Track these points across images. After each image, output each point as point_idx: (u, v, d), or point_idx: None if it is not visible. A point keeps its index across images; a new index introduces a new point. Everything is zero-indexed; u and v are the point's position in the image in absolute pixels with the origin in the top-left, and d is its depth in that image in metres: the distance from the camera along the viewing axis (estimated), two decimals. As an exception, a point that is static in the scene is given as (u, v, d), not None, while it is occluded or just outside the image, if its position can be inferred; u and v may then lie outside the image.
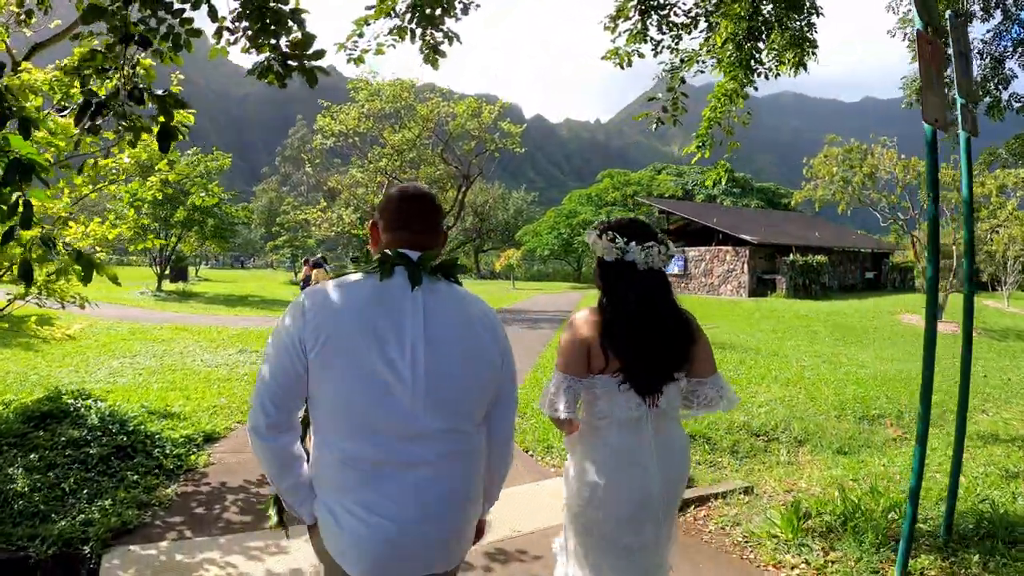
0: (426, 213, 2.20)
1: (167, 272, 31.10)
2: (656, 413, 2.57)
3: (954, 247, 22.78)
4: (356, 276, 2.09)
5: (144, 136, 4.24)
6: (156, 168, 6.80)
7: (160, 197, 27.45)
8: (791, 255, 33.44)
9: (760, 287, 33.79)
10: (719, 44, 7.10)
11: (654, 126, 7.53)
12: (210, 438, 6.96)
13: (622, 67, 7.25)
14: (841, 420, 8.87)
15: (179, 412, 7.64)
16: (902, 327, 21.97)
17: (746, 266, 33.90)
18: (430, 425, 1.98)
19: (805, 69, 7.37)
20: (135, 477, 5.46)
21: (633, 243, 2.56)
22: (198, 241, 30.73)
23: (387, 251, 2.11)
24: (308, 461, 2.11)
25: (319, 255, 20.49)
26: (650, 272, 2.58)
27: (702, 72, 7.68)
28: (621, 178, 55.63)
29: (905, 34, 10.94)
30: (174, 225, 28.68)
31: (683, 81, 7.16)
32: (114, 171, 6.91)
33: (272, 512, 2.36)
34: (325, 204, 24.53)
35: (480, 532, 2.33)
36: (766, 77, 7.45)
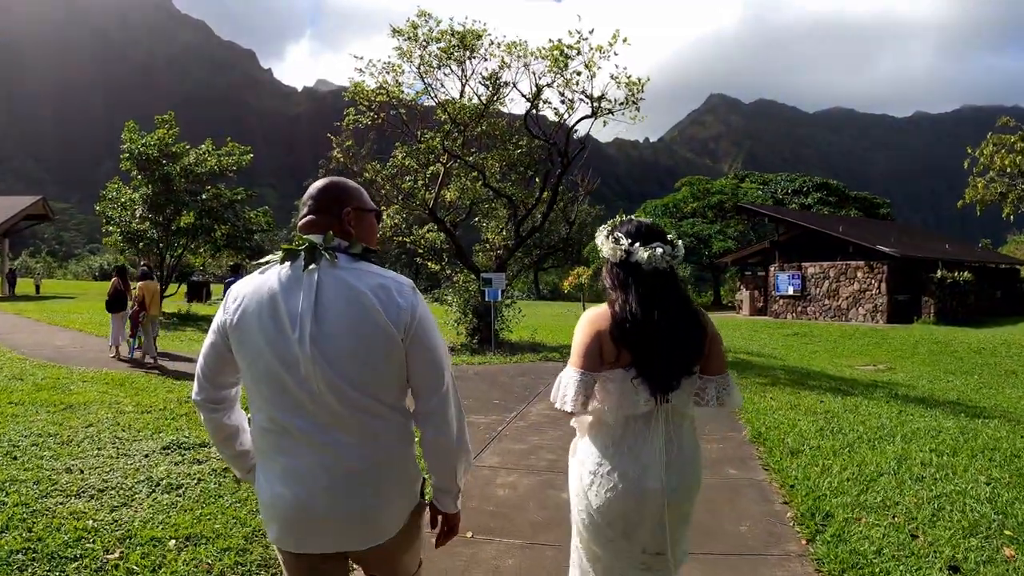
0: (323, 196, 2.25)
1: (174, 290, 25.40)
2: (667, 410, 2.57)
3: None
4: (268, 264, 2.18)
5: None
6: None
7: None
8: (938, 271, 26.85)
9: (898, 310, 27.06)
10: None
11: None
12: None
13: None
14: None
15: None
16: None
17: (884, 285, 27.22)
18: (329, 402, 2.04)
19: None
20: None
21: (638, 244, 2.60)
22: (209, 252, 25.13)
23: (296, 237, 2.19)
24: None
25: (144, 265, 15.97)
26: (656, 272, 2.59)
27: None
28: (702, 186, 49.45)
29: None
30: (177, 232, 23.10)
31: None
32: None
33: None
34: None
35: (450, 526, 2.36)
36: None
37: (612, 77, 14.47)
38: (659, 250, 2.58)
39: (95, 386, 9.84)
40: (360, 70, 15.50)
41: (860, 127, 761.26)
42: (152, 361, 12.62)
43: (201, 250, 25.12)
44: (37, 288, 42.29)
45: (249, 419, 2.28)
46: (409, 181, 17.02)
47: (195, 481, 5.67)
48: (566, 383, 2.52)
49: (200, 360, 2.23)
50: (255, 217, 25.53)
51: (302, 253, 2.10)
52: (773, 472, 6.20)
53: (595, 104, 14.61)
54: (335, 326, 2.03)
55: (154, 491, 5.45)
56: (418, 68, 15.57)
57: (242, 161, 24.24)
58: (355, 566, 2.38)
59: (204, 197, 22.99)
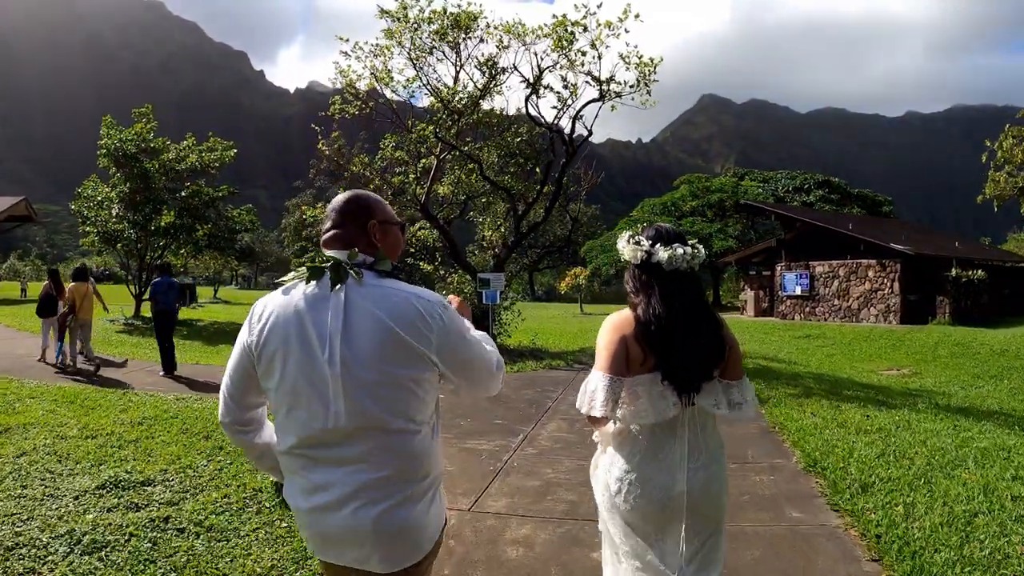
0: (347, 209, 2.21)
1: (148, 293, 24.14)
2: (691, 413, 2.56)
3: None
4: (292, 282, 2.14)
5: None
6: None
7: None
8: (953, 270, 25.74)
9: (910, 311, 25.95)
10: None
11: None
12: None
13: None
14: None
15: None
16: None
17: (896, 284, 26.09)
18: (354, 422, 2.00)
19: None
20: None
21: (658, 245, 2.60)
22: (190, 252, 23.88)
23: (319, 254, 2.16)
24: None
25: (81, 264, 15.93)
26: (676, 274, 2.59)
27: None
28: (701, 184, 48.17)
29: None
30: (156, 232, 21.81)
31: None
32: None
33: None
34: (345, 196, 16.89)
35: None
36: None
37: (621, 57, 13.17)
38: (680, 250, 2.57)
39: (42, 404, 8.68)
40: (346, 53, 14.26)
41: (852, 127, 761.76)
42: (91, 367, 11.83)
43: (182, 251, 23.87)
44: (24, 292, 41.42)
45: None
46: (400, 175, 15.83)
47: (126, 537, 4.50)
48: (594, 387, 2.49)
49: (226, 381, 2.19)
50: (238, 216, 24.25)
51: (327, 271, 2.08)
52: (846, 514, 5.04)
53: (603, 87, 13.34)
54: (364, 347, 2.00)
55: (73, 550, 4.31)
56: (409, 53, 14.34)
57: (225, 157, 22.98)
58: None
59: (183, 194, 21.71)
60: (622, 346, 2.50)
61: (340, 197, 2.24)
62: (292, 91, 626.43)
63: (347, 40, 14.16)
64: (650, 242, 2.61)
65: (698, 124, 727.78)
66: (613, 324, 2.58)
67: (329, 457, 2.02)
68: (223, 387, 2.19)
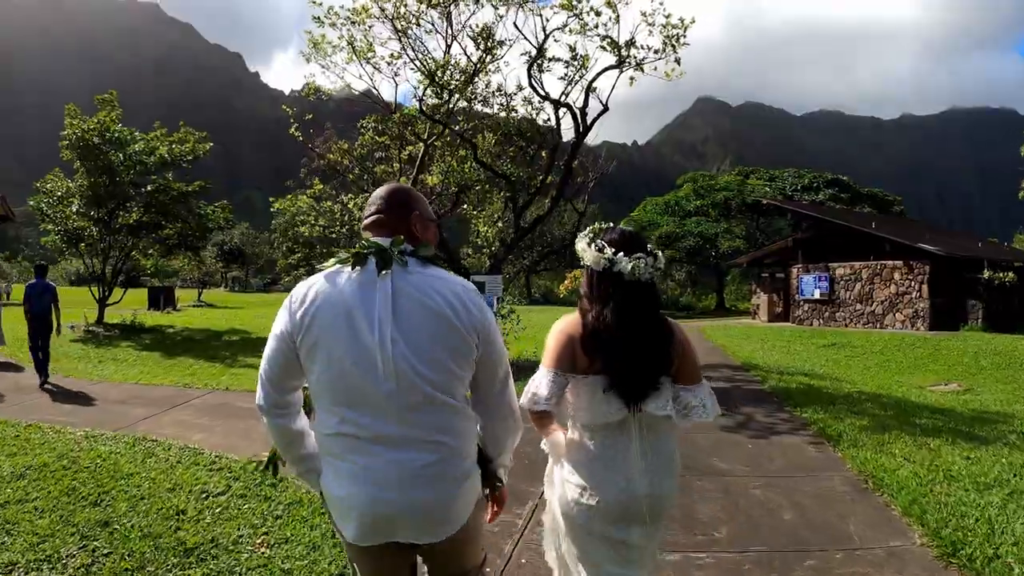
0: (392, 199, 2.28)
1: (119, 296, 22.21)
2: (641, 418, 2.55)
3: None
4: (335, 267, 2.17)
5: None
6: None
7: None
8: (985, 272, 24.00)
9: (939, 316, 24.17)
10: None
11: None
12: None
13: None
14: None
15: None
16: None
17: (925, 288, 24.25)
18: (405, 401, 2.05)
19: None
20: None
21: (621, 254, 2.59)
22: (159, 253, 22.00)
23: (362, 241, 2.22)
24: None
25: None
26: (636, 283, 2.58)
27: None
28: (705, 183, 46.48)
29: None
30: (120, 230, 19.91)
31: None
32: None
33: (265, 456, 2.56)
34: (320, 188, 14.81)
35: (497, 501, 2.42)
36: None
37: (643, 16, 11.15)
38: (643, 262, 2.58)
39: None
40: (319, 19, 12.28)
41: (848, 129, 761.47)
42: None
43: (151, 251, 21.97)
44: (7, 295, 39.58)
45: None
46: (382, 164, 13.95)
47: None
48: (538, 383, 2.52)
49: (264, 366, 2.20)
50: (212, 213, 22.28)
51: (371, 257, 2.13)
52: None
53: (621, 52, 11.33)
54: (414, 330, 2.06)
55: None
56: (393, 23, 12.42)
57: (199, 149, 21.04)
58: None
59: (149, 189, 19.80)
60: (569, 348, 2.51)
61: (385, 187, 2.33)
62: (287, 92, 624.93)
63: (320, 4, 12.18)
64: (612, 250, 2.59)
65: (693, 127, 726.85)
66: (561, 328, 2.59)
67: (376, 437, 2.06)
68: (261, 372, 2.19)
